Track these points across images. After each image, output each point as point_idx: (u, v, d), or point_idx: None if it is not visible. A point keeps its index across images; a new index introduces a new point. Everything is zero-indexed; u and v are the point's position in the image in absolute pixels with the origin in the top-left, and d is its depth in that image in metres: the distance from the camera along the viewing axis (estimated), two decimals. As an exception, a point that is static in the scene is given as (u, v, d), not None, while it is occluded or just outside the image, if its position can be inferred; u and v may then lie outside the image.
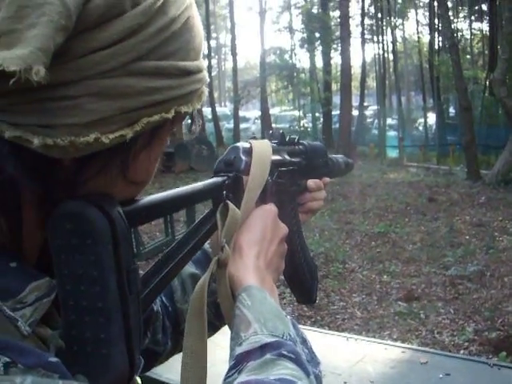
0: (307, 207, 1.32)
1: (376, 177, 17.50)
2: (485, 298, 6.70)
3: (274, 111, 37.46)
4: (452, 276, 7.56)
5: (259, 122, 33.62)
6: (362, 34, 31.64)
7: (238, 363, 0.79)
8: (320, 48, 32.90)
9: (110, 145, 0.68)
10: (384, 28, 32.27)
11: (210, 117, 33.14)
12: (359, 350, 2.53)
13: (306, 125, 33.95)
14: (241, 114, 34.93)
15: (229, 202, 0.94)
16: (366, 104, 32.41)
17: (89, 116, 0.65)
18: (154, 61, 0.70)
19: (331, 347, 2.58)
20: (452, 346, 5.47)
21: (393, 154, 23.86)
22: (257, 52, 60.27)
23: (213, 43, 52.87)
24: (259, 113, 33.25)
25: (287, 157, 1.21)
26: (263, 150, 1.07)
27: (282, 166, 1.17)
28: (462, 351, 5.34)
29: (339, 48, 26.75)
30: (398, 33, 39.50)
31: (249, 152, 1.05)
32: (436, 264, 8.19)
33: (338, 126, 25.47)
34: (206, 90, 0.83)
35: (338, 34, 27.70)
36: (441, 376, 2.26)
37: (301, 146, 1.31)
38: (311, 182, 1.31)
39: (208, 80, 0.84)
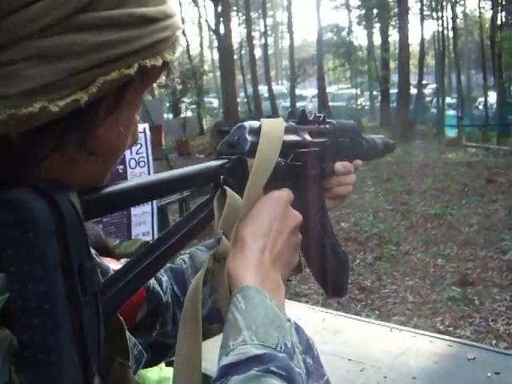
0: (334, 192, 1.20)
1: (433, 157, 17.13)
2: (544, 285, 6.46)
3: (330, 89, 37.20)
4: (509, 261, 7.31)
5: (316, 100, 33.42)
6: (421, 10, 30.83)
7: (221, 376, 0.69)
8: (378, 25, 32.40)
9: (63, 113, 0.59)
10: (444, 4, 31.44)
11: (266, 95, 33.15)
12: (402, 342, 2.40)
13: (363, 103, 33.63)
14: (297, 92, 34.82)
15: (227, 188, 0.84)
16: (424, 82, 31.78)
17: (28, 83, 0.57)
18: (101, 11, 0.60)
19: (373, 338, 2.46)
20: (506, 335, 5.28)
21: (451, 133, 23.34)
22: (314, 30, 59.79)
23: (269, 21, 52.68)
24: (316, 91, 33.01)
25: (308, 137, 1.08)
26: (274, 130, 0.94)
27: (300, 147, 1.05)
28: (517, 341, 5.15)
29: (397, 25, 26.19)
30: (459, 8, 38.61)
31: (257, 132, 0.92)
32: (493, 248, 7.93)
33: (395, 104, 24.99)
34: (179, 38, 0.73)
35: (396, 10, 27.07)
36: (489, 375, 2.10)
37: (327, 125, 1.19)
38: (339, 165, 1.19)
39: (182, 26, 0.74)
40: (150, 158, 4.25)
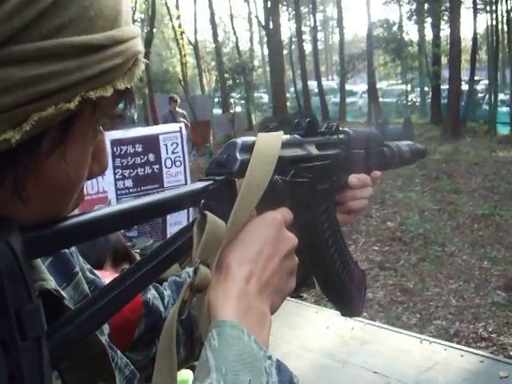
0: (348, 207, 1.13)
1: (484, 155, 16.79)
2: None
3: (381, 85, 36.85)
4: (559, 265, 7.09)
5: (366, 95, 33.18)
6: (474, 3, 30.26)
7: None
8: (429, 20, 31.92)
9: None
10: (499, -3, 30.80)
11: (316, 91, 33.08)
12: (432, 355, 2.32)
13: (414, 99, 33.23)
14: (348, 87, 34.64)
15: (207, 213, 0.76)
16: (476, 78, 31.19)
17: None
18: (31, 42, 0.55)
19: (402, 350, 2.39)
20: (553, 344, 5.10)
21: (504, 130, 22.88)
22: (364, 25, 59.27)
23: (319, 16, 52.41)
24: (366, 87, 32.73)
25: (315, 150, 1.02)
26: (268, 145, 0.86)
27: (305, 162, 0.98)
28: None
29: (449, 19, 25.76)
30: (514, 2, 37.75)
31: (249, 148, 0.85)
32: (542, 251, 7.71)
33: (446, 100, 24.60)
34: (140, 63, 0.68)
35: (448, 4, 26.62)
36: (521, 394, 1.99)
37: (341, 135, 1.12)
38: (353, 178, 1.12)
39: (141, 50, 0.68)
40: (186, 157, 4.24)
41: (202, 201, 0.79)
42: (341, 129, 1.14)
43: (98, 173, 0.74)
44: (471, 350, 2.47)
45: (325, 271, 1.06)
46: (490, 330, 5.44)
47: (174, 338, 0.75)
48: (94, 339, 0.79)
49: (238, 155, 0.84)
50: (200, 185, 0.82)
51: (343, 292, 1.08)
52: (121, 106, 0.72)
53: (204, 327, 0.76)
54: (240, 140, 0.87)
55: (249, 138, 0.88)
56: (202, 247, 0.75)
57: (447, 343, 2.50)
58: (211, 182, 0.82)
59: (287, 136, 0.97)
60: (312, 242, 0.93)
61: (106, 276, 1.06)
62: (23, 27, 0.55)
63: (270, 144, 0.87)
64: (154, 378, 0.75)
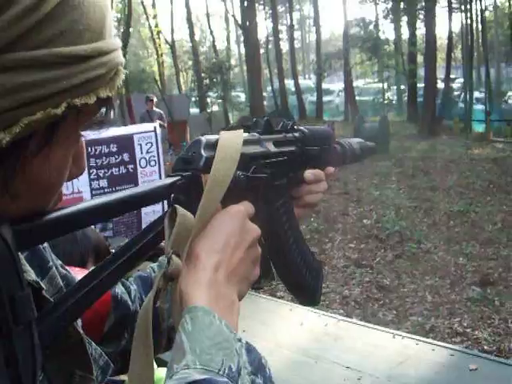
0: (304, 201, 1.18)
1: (460, 152, 16.95)
2: None
3: (357, 83, 37.02)
4: (532, 260, 7.18)
5: (343, 94, 33.33)
6: (449, 2, 30.49)
7: None
8: (405, 19, 32.12)
9: None
10: (473, -4, 31.07)
11: (293, 89, 33.18)
12: (404, 349, 2.34)
13: (390, 97, 33.43)
14: (324, 86, 34.80)
15: (177, 206, 0.81)
16: (452, 76, 31.46)
17: None
18: (24, 51, 0.60)
19: (375, 345, 2.41)
20: (526, 337, 5.17)
21: (479, 128, 23.09)
22: (341, 24, 59.46)
23: (296, 15, 52.54)
24: (343, 85, 32.88)
25: (272, 147, 1.06)
26: (231, 143, 0.91)
27: (264, 158, 1.02)
28: (537, 343, 5.04)
29: (425, 18, 25.94)
30: (488, 1, 38.14)
31: (213, 146, 0.90)
32: (516, 247, 7.80)
33: (423, 99, 24.78)
34: (120, 73, 0.73)
35: (423, 3, 26.81)
36: (490, 386, 2.02)
37: (296, 133, 1.17)
38: (308, 173, 1.16)
39: (122, 61, 0.73)
40: (161, 156, 4.24)
41: (172, 195, 0.84)
42: (296, 127, 1.18)
43: (76, 175, 0.79)
44: (442, 343, 2.51)
45: (284, 262, 1.10)
46: (465, 324, 5.49)
47: (150, 325, 0.77)
48: (72, 329, 0.82)
49: (203, 152, 0.88)
50: (168, 180, 0.86)
51: (302, 282, 1.13)
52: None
53: (177, 314, 0.80)
54: (204, 138, 0.91)
55: (212, 136, 0.93)
56: (174, 238, 0.80)
57: (419, 337, 2.54)
58: (179, 177, 0.86)
59: (247, 134, 1.00)
60: (272, 234, 0.97)
61: (76, 272, 1.08)
62: (19, 37, 0.59)
63: (232, 141, 0.92)
64: (131, 365, 0.78)
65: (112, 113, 0.78)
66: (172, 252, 0.79)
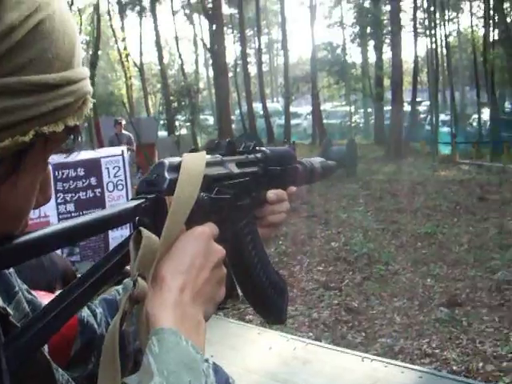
0: (267, 221, 1.19)
1: (427, 174, 17.13)
2: (533, 305, 6.40)
3: (325, 107, 37.26)
4: (499, 280, 7.25)
5: (310, 117, 33.52)
6: (415, 27, 31.03)
7: None
8: (372, 43, 32.54)
9: None
10: (437, 22, 31.61)
11: (261, 113, 33.29)
12: (373, 372, 2.34)
13: (357, 120, 33.73)
14: (292, 109, 34.94)
15: (142, 229, 0.82)
16: (418, 99, 31.87)
17: None
18: None
19: (344, 368, 2.40)
20: (494, 358, 5.20)
21: (445, 150, 23.35)
22: (308, 48, 60.02)
23: (264, 39, 52.92)
24: (310, 108, 33.08)
25: (235, 168, 1.08)
26: (194, 165, 0.92)
27: (227, 180, 1.03)
28: (504, 363, 5.07)
29: (391, 42, 26.33)
30: (452, 26, 38.87)
31: (176, 168, 0.91)
32: (483, 267, 7.87)
33: (389, 121, 25.04)
34: (88, 102, 0.74)
35: (389, 28, 27.22)
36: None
37: (258, 154, 1.19)
38: (271, 194, 1.18)
39: (90, 90, 0.74)
40: (129, 180, 4.23)
41: (137, 218, 0.84)
42: (257, 148, 1.19)
43: (42, 203, 0.79)
44: (411, 366, 2.51)
45: (249, 281, 1.11)
46: (434, 345, 5.51)
47: (117, 348, 0.78)
48: (39, 354, 0.82)
49: (166, 174, 0.89)
50: (133, 203, 0.86)
51: (267, 301, 1.14)
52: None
53: (143, 335, 0.80)
54: (167, 160, 0.92)
55: (175, 159, 0.93)
56: (139, 261, 0.80)
57: (388, 360, 2.54)
58: (143, 200, 0.86)
59: (209, 156, 1.02)
60: (236, 254, 0.98)
61: (42, 296, 1.07)
62: None
63: (195, 163, 0.93)
64: None
65: (79, 140, 0.78)
66: (138, 274, 0.79)
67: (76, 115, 0.72)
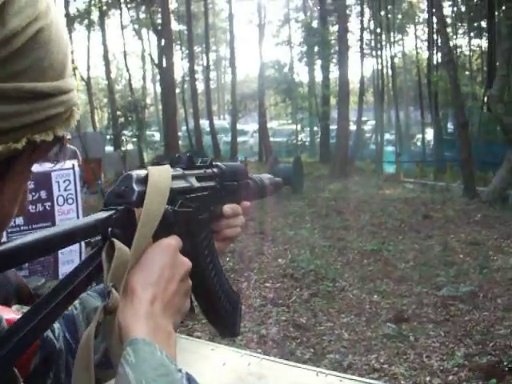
0: (223, 235, 1.22)
1: (372, 192, 17.39)
2: (477, 320, 6.54)
3: (272, 125, 37.50)
4: (444, 296, 7.40)
5: (257, 135, 33.64)
6: (361, 48, 31.57)
7: None
8: (319, 62, 32.93)
9: None
10: (383, 43, 32.25)
11: (208, 129, 33.26)
12: (328, 386, 2.34)
13: (303, 139, 34.00)
14: (239, 127, 35.01)
15: (115, 240, 0.82)
16: (364, 119, 32.34)
17: None
18: None
19: (297, 383, 2.40)
20: (440, 372, 5.29)
21: (390, 169, 23.78)
22: (256, 65, 60.45)
23: (212, 56, 53.04)
24: (257, 126, 33.22)
25: (196, 182, 1.10)
26: (160, 178, 0.94)
27: (189, 193, 1.06)
28: (450, 377, 5.16)
29: (338, 62, 26.71)
30: (398, 48, 39.68)
31: (144, 181, 0.92)
32: (428, 284, 8.04)
33: (335, 140, 25.33)
34: (75, 113, 0.75)
35: (337, 48, 27.62)
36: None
37: (214, 169, 1.21)
38: (227, 208, 1.21)
39: (77, 101, 0.75)
40: (79, 194, 4.17)
41: (109, 229, 0.83)
42: (214, 163, 1.22)
43: (17, 214, 0.78)
44: (365, 379, 2.52)
45: (206, 294, 1.12)
46: (382, 361, 5.56)
47: (92, 359, 0.78)
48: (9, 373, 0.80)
49: (134, 186, 0.90)
50: (104, 214, 0.86)
51: (222, 314, 1.16)
52: None
53: (115, 347, 0.80)
54: (134, 173, 0.94)
55: (142, 171, 0.94)
56: (113, 272, 0.80)
57: (342, 374, 2.54)
58: (114, 211, 0.86)
59: (172, 169, 1.03)
60: (194, 267, 0.98)
61: (3, 310, 1.04)
62: None
63: (161, 176, 0.95)
64: None
65: (62, 150, 0.80)
66: (112, 285, 0.79)
67: (64, 125, 0.73)
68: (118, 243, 0.82)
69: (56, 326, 1.12)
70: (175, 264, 0.90)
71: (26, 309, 1.05)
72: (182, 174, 1.07)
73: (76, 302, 1.16)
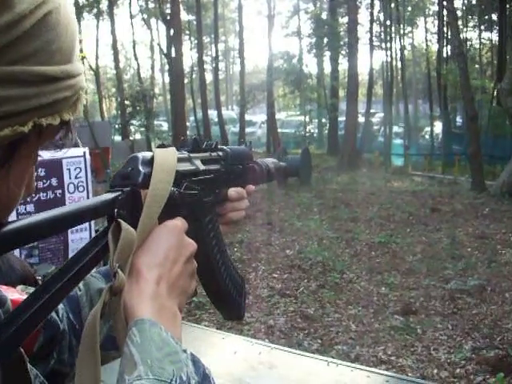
0: (228, 218, 1.24)
1: (380, 185, 17.37)
2: (484, 314, 6.54)
3: (280, 116, 37.42)
4: (452, 290, 7.40)
5: (265, 126, 33.61)
6: (371, 40, 31.42)
7: None
8: (328, 54, 32.84)
9: None
10: (393, 35, 32.11)
11: (216, 120, 33.24)
12: (339, 376, 2.34)
13: (312, 130, 33.93)
14: (247, 117, 34.97)
15: (121, 221, 0.83)
16: (372, 111, 32.25)
17: None
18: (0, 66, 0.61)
19: (310, 373, 2.40)
20: (448, 364, 5.29)
21: (398, 162, 23.74)
22: (265, 56, 60.22)
23: (221, 46, 52.95)
24: (265, 117, 33.18)
25: (201, 165, 1.11)
26: (166, 160, 0.95)
27: (194, 176, 1.07)
28: (457, 370, 5.16)
29: (347, 54, 26.63)
30: (407, 40, 39.55)
31: (150, 162, 0.93)
32: (436, 277, 8.03)
33: (343, 132, 25.29)
34: (82, 98, 0.76)
35: (346, 40, 27.54)
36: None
37: (220, 152, 1.23)
38: (232, 191, 1.23)
39: (85, 86, 0.77)
40: (90, 182, 4.17)
41: (116, 210, 0.84)
42: (219, 146, 1.23)
43: (26, 196, 0.80)
44: (377, 370, 2.53)
45: (211, 277, 1.14)
46: (389, 353, 5.58)
47: (97, 338, 0.78)
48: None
49: (140, 168, 0.91)
50: (110, 195, 0.87)
51: (227, 296, 1.18)
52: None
53: (121, 327, 0.81)
54: (140, 155, 0.94)
55: (147, 153, 0.95)
56: (119, 252, 0.81)
57: (354, 365, 2.55)
58: (120, 192, 0.87)
59: (177, 152, 1.03)
60: (200, 249, 0.99)
61: (4, 290, 1.04)
62: None
63: (167, 158, 0.96)
64: (77, 377, 0.78)
65: (71, 135, 0.80)
66: (118, 266, 0.80)
67: (71, 110, 0.74)
68: (124, 224, 0.83)
69: (60, 306, 1.13)
70: (181, 245, 0.91)
71: (30, 289, 1.06)
72: (188, 156, 1.08)
73: (80, 284, 1.17)
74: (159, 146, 1.00)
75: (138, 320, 0.77)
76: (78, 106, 0.76)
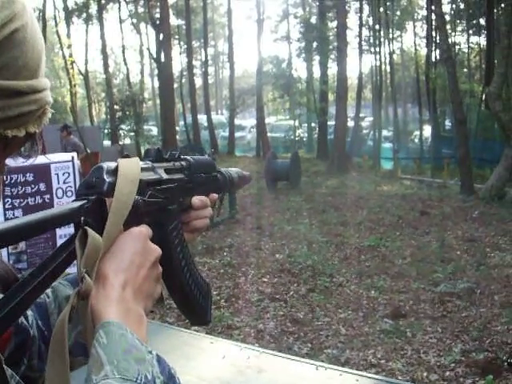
0: (192, 226, 1.27)
1: (369, 189, 17.40)
2: (474, 317, 6.56)
3: (269, 120, 37.45)
4: (441, 293, 7.42)
5: (254, 130, 33.63)
6: (360, 44, 31.53)
7: None
8: (317, 58, 32.90)
9: None
10: (382, 39, 32.21)
11: (205, 124, 33.24)
12: (328, 380, 2.35)
13: (301, 135, 33.97)
14: (237, 122, 35.03)
15: (87, 228, 0.86)
16: (362, 115, 32.33)
17: None
18: None
19: (298, 377, 2.40)
20: (437, 367, 5.30)
21: (387, 165, 23.79)
22: (254, 61, 60.24)
23: (211, 51, 52.94)
24: (255, 121, 33.20)
25: (164, 174, 1.15)
26: (130, 170, 0.99)
27: (158, 185, 1.10)
28: (447, 373, 5.17)
29: (336, 58, 26.70)
30: (396, 45, 39.64)
31: (114, 172, 0.97)
32: (425, 280, 8.05)
33: (333, 136, 25.32)
34: (48, 111, 0.80)
35: (335, 44, 27.60)
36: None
37: (183, 162, 1.27)
38: (195, 199, 1.26)
39: (51, 101, 0.81)
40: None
41: (82, 218, 0.87)
42: (182, 156, 1.27)
43: (15, 207, 0.81)
44: (365, 374, 2.53)
45: (177, 283, 1.16)
46: (379, 356, 5.58)
47: (66, 343, 0.81)
48: None
49: (105, 177, 0.94)
50: (77, 204, 0.89)
51: (192, 301, 1.20)
52: None
53: (89, 330, 0.84)
54: (105, 165, 0.97)
55: (112, 163, 0.98)
56: (86, 258, 0.84)
57: (342, 368, 2.55)
58: (86, 201, 0.90)
59: (141, 162, 1.07)
60: (164, 256, 1.02)
61: None
62: None
63: (131, 168, 0.99)
64: (47, 382, 0.81)
65: (36, 147, 0.84)
66: (85, 271, 0.82)
67: (36, 123, 0.78)
68: (90, 231, 0.85)
69: (29, 313, 1.15)
70: (146, 251, 0.94)
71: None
72: (151, 166, 1.11)
73: (48, 291, 1.19)
74: (123, 157, 1.03)
75: (104, 323, 0.80)
76: (44, 119, 0.79)
